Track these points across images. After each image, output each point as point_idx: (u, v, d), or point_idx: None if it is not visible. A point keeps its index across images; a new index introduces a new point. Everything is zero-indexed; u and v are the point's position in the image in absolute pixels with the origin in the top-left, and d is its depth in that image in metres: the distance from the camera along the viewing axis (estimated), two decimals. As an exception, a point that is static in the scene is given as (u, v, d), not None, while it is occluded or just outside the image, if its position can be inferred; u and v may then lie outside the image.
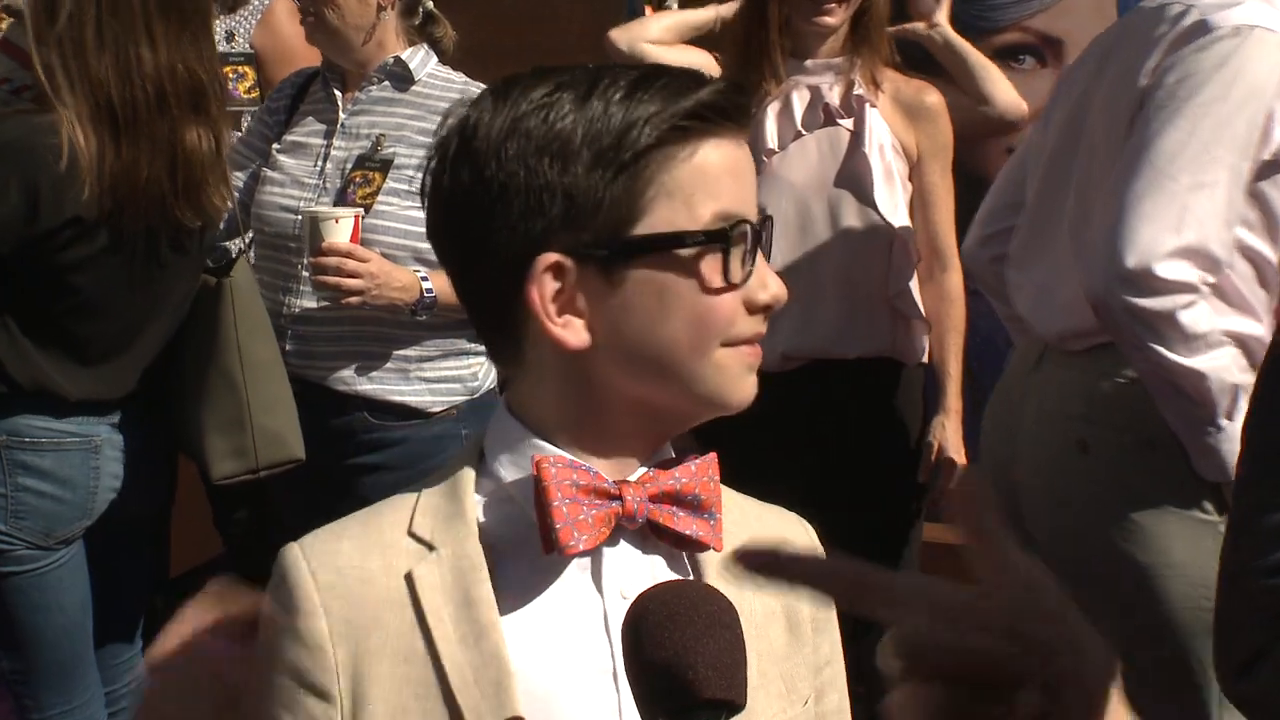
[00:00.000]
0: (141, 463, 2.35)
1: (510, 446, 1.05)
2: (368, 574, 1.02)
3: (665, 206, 1.00)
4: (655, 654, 0.83)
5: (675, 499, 1.03)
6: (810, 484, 2.54)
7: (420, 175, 2.38)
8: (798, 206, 2.59)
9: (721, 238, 1.00)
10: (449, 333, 2.53)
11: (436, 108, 2.49)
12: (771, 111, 2.59)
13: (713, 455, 1.06)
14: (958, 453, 2.61)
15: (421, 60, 2.58)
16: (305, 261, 2.40)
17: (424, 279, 2.41)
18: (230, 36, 3.38)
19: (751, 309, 1.03)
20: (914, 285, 2.62)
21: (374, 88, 2.57)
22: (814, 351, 2.59)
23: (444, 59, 2.65)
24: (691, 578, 1.07)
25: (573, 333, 1.01)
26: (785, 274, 2.54)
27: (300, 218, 2.43)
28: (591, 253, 1.00)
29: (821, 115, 2.60)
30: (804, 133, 2.59)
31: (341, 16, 2.49)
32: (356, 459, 2.54)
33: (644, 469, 1.06)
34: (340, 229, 2.34)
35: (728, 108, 1.02)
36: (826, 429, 2.62)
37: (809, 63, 2.61)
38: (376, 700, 1.00)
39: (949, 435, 2.61)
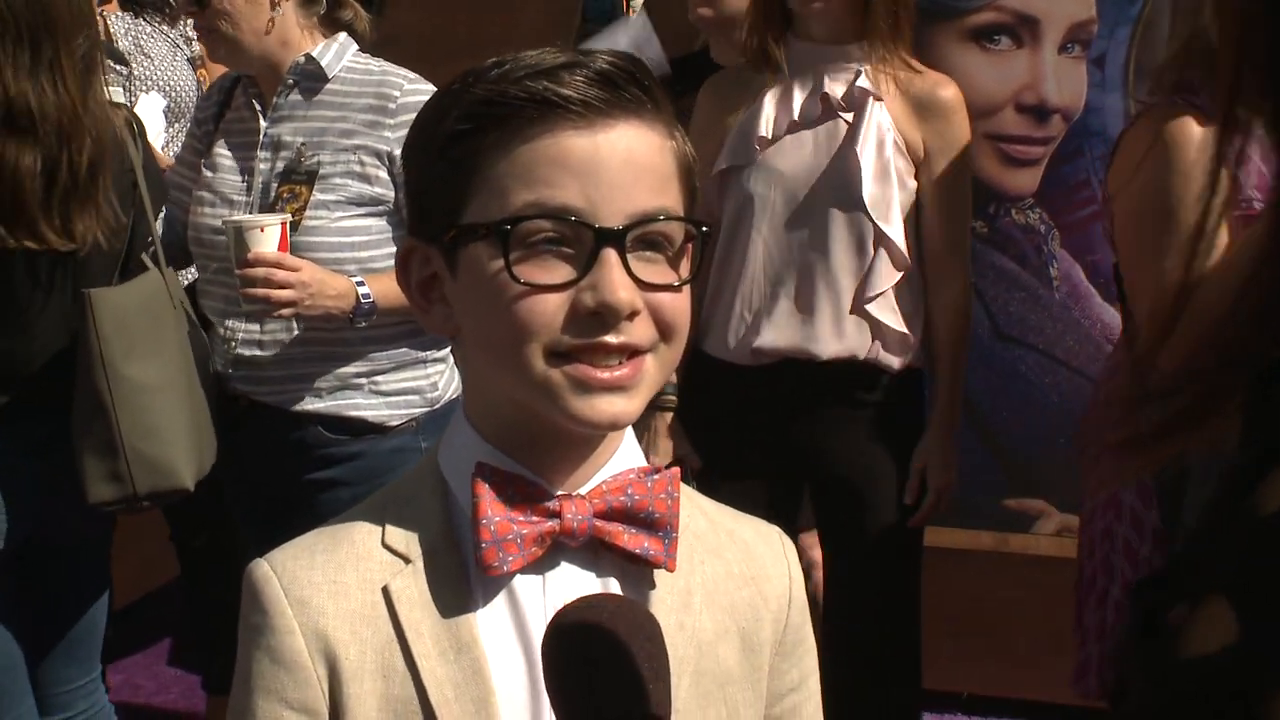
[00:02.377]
0: (60, 482, 2.24)
1: (458, 454, 1.02)
2: (342, 588, 0.99)
3: (483, 195, 0.97)
4: (569, 677, 0.83)
5: (626, 515, 0.99)
6: (776, 487, 2.59)
7: (348, 181, 2.33)
8: (786, 199, 2.48)
9: (499, 232, 0.94)
10: (400, 343, 2.44)
11: (355, 104, 2.38)
12: (770, 99, 2.50)
13: (674, 471, 1.02)
14: (943, 472, 2.48)
15: (336, 54, 2.42)
16: (234, 273, 2.27)
17: (360, 284, 2.30)
18: (189, 40, 3.28)
19: (578, 314, 0.94)
20: (905, 291, 2.48)
21: (290, 93, 2.43)
22: (787, 350, 2.51)
23: (363, 45, 2.50)
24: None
25: (439, 318, 1.02)
26: (770, 268, 2.52)
27: (249, 206, 2.34)
28: (434, 241, 1.00)
29: (820, 106, 2.47)
30: (800, 123, 2.48)
31: (235, 24, 2.35)
32: (311, 474, 2.45)
33: (599, 478, 1.01)
34: (266, 237, 2.22)
35: (557, 97, 0.94)
36: (796, 431, 2.55)
37: (822, 48, 2.49)
38: (356, 718, 0.97)
39: (932, 455, 2.50)
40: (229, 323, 2.42)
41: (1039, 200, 3.28)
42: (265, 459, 2.46)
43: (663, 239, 0.97)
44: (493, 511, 0.96)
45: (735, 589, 1.07)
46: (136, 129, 2.35)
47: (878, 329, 2.48)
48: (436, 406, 2.48)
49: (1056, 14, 3.18)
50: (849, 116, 2.45)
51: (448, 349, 2.54)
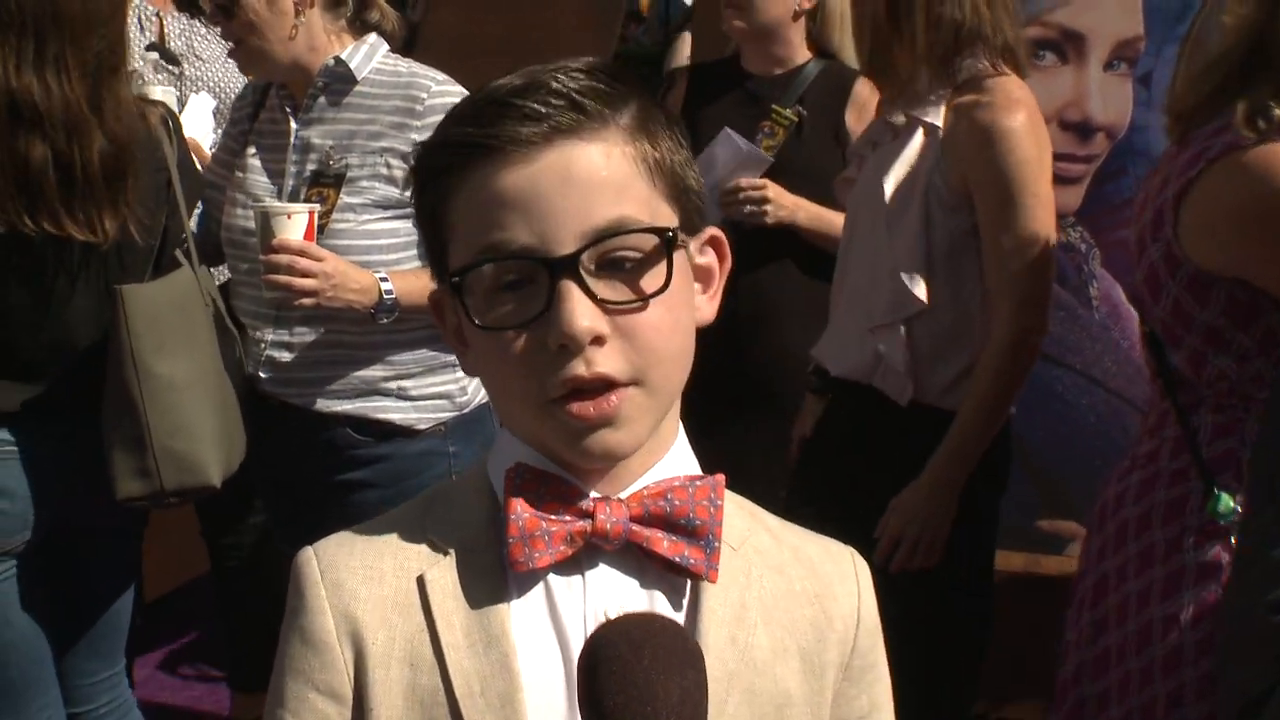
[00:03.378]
0: (87, 475, 2.24)
1: (503, 457, 1.01)
2: (378, 574, 0.99)
3: (453, 244, 0.97)
4: (607, 699, 0.81)
5: (665, 521, 0.96)
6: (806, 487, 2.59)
7: (375, 184, 2.32)
8: (850, 222, 2.52)
9: (452, 285, 0.95)
10: (428, 346, 2.42)
11: (383, 107, 2.37)
12: (877, 120, 2.51)
13: (719, 477, 0.99)
14: (907, 523, 2.27)
15: (365, 56, 2.42)
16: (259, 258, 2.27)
17: (383, 279, 2.29)
18: None
19: (548, 351, 0.92)
20: (926, 329, 2.33)
21: (320, 96, 2.42)
22: (817, 357, 2.58)
23: (393, 44, 2.49)
24: (680, 614, 1.00)
25: (469, 362, 1.02)
26: (836, 283, 2.52)
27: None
28: (443, 286, 0.99)
29: (888, 130, 2.43)
30: (878, 144, 2.45)
31: (260, 34, 2.35)
32: (340, 476, 2.44)
33: (643, 482, 0.99)
34: (293, 225, 2.22)
35: (492, 140, 0.93)
36: (817, 443, 2.60)
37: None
38: (380, 705, 0.96)
39: (904, 500, 2.29)
40: (260, 325, 2.42)
41: (1080, 219, 3.24)
42: (295, 460, 2.46)
43: (630, 251, 0.94)
44: (521, 508, 0.95)
45: (797, 607, 1.04)
46: (172, 125, 2.35)
47: (880, 359, 2.37)
48: (465, 411, 2.48)
49: (1103, 31, 3.14)
50: (898, 145, 2.37)
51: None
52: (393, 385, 2.40)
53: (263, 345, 2.41)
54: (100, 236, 2.16)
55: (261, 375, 2.42)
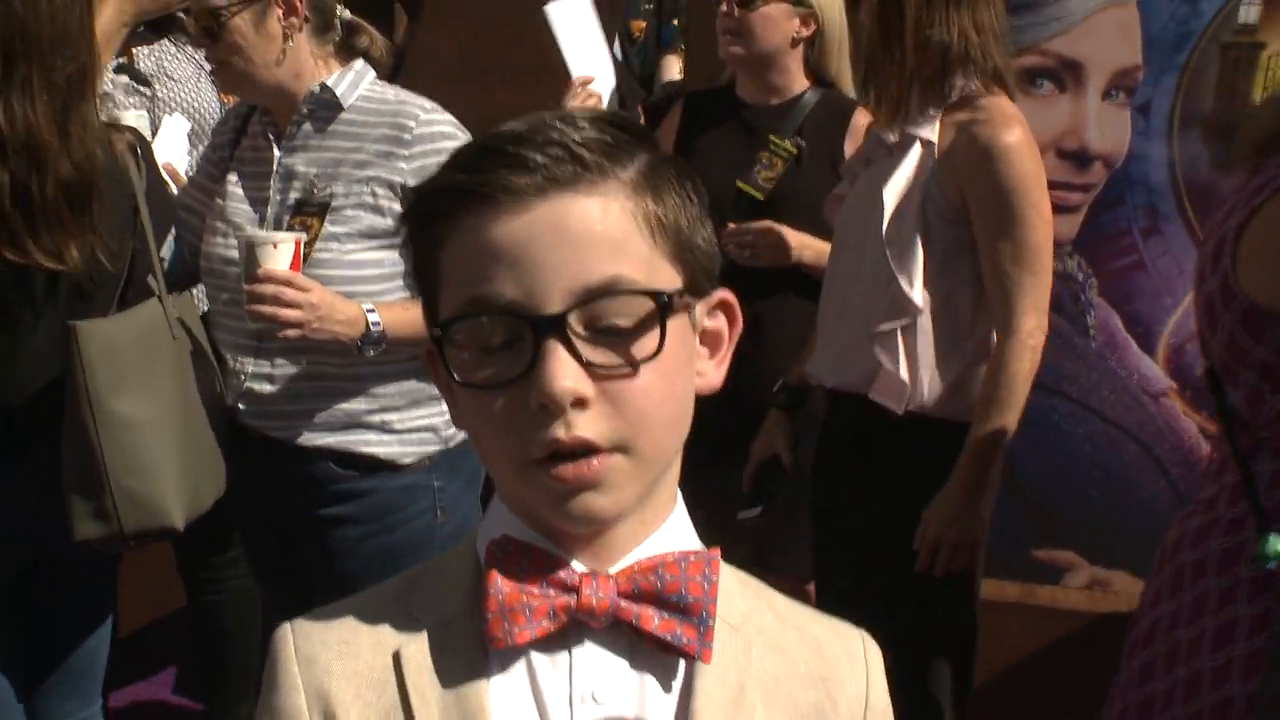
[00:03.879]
0: (56, 511, 2.16)
1: (491, 528, 0.97)
2: (354, 649, 0.96)
3: (442, 291, 0.93)
4: None
5: (655, 598, 0.91)
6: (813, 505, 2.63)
7: (360, 213, 2.28)
8: (841, 233, 2.55)
9: (434, 340, 0.92)
10: (414, 379, 2.37)
11: (370, 135, 2.32)
12: (869, 137, 2.57)
13: (714, 552, 0.95)
14: (939, 532, 2.34)
15: (351, 83, 2.37)
16: (242, 288, 2.21)
17: (370, 311, 2.24)
18: None
19: (530, 412, 0.88)
20: (921, 338, 2.39)
21: (304, 122, 2.37)
22: (811, 372, 2.60)
23: (379, 71, 2.45)
24: (672, 696, 0.95)
25: (455, 415, 0.97)
26: (824, 297, 2.55)
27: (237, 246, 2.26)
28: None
29: (882, 147, 2.47)
30: (872, 160, 2.51)
31: (246, 57, 2.30)
32: (321, 510, 2.39)
33: (634, 557, 0.94)
34: (279, 254, 2.16)
35: (487, 188, 0.89)
36: (824, 454, 2.61)
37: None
38: None
39: (936, 511, 2.36)
40: (239, 356, 2.37)
41: (1078, 248, 3.22)
42: (275, 494, 2.41)
43: (623, 311, 0.89)
44: (501, 581, 0.91)
45: (800, 690, 0.99)
46: (140, 152, 2.29)
47: (877, 369, 2.42)
48: (451, 445, 2.42)
49: (1101, 60, 3.13)
50: (894, 159, 2.42)
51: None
52: (376, 419, 2.35)
53: (242, 377, 2.36)
54: (69, 264, 2.09)
55: (241, 407, 2.37)
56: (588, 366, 0.87)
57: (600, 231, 0.89)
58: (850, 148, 2.95)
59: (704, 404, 0.98)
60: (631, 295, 0.88)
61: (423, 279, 0.95)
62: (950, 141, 2.36)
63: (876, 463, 2.46)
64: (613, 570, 0.93)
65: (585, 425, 0.87)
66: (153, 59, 3.25)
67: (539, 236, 0.88)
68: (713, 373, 0.98)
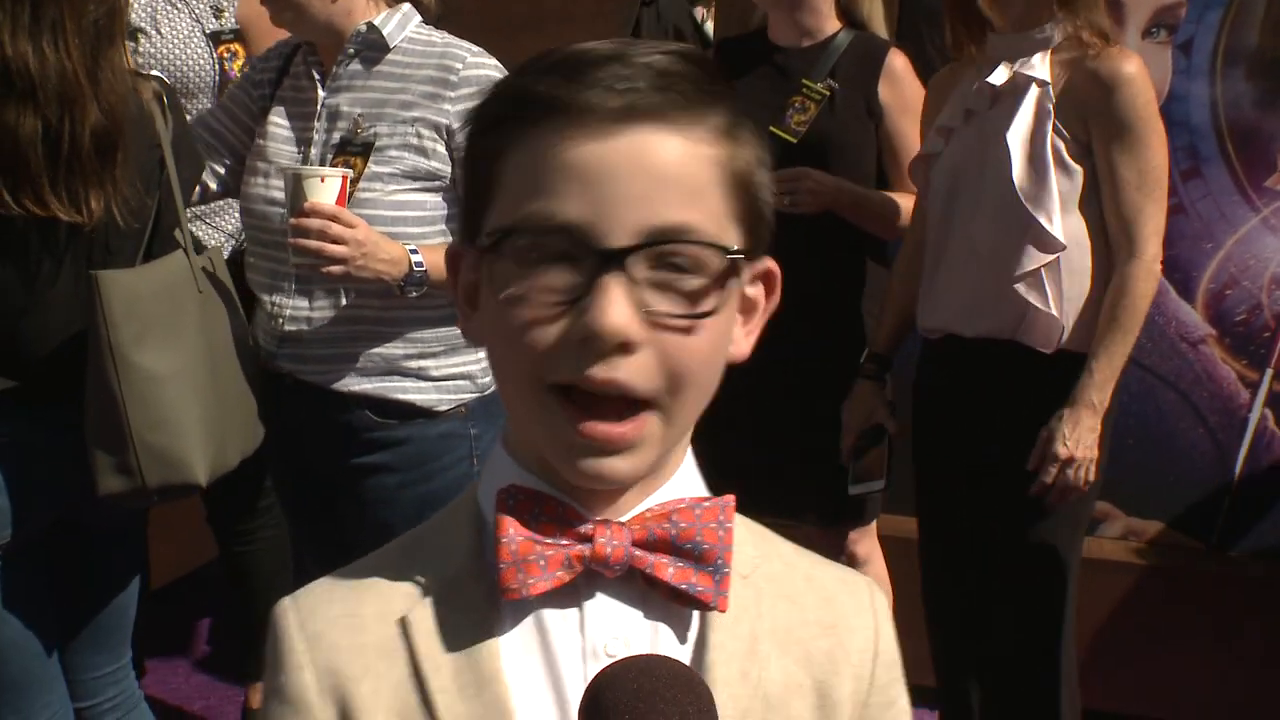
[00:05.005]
0: (83, 466, 2.13)
1: (494, 480, 0.93)
2: (360, 621, 0.91)
3: (500, 201, 0.87)
4: None
5: (670, 545, 0.88)
6: (938, 450, 2.69)
7: (404, 154, 2.24)
8: (954, 185, 2.57)
9: (490, 247, 0.86)
10: (452, 324, 2.34)
11: (415, 76, 2.29)
12: (959, 91, 2.59)
13: (728, 498, 0.91)
14: (1072, 447, 2.43)
15: (398, 24, 2.34)
16: (287, 222, 2.17)
17: (413, 252, 2.21)
18: (218, 11, 3.11)
19: (570, 342, 0.83)
20: (1064, 274, 2.46)
21: (350, 62, 2.34)
22: (945, 325, 2.61)
23: (429, 20, 2.42)
24: (686, 647, 0.92)
25: (476, 328, 0.93)
26: (935, 253, 2.58)
27: (285, 179, 2.22)
28: (472, 244, 0.91)
29: (989, 95, 2.52)
30: (974, 112, 2.54)
31: None
32: (357, 459, 2.36)
33: (644, 506, 0.91)
34: (326, 189, 2.12)
35: (574, 98, 0.83)
36: (953, 402, 2.63)
37: (1010, 37, 2.51)
38: None
39: (1063, 427, 2.44)
40: (276, 298, 2.33)
41: (1116, 191, 3.15)
42: (309, 440, 2.39)
43: (689, 262, 0.84)
44: (515, 531, 0.87)
45: (811, 638, 0.96)
46: (167, 101, 2.24)
47: (1024, 310, 2.48)
48: (486, 392, 2.41)
49: (1140, -4, 3.05)
50: (1010, 103, 2.47)
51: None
52: (414, 364, 2.32)
53: (279, 320, 2.33)
54: (85, 216, 2.05)
55: (277, 350, 2.34)
56: (642, 311, 0.83)
57: (681, 173, 0.84)
58: (885, 90, 2.89)
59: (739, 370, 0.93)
60: (701, 246, 0.84)
61: (475, 184, 0.90)
62: (1067, 79, 2.43)
63: (1028, 403, 2.50)
64: (625, 519, 0.90)
65: (625, 369, 0.83)
66: (147, 10, 3.14)
67: (618, 163, 0.82)
68: (743, 341, 0.94)
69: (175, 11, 3.15)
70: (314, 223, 2.09)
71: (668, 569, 0.88)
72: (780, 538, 1.02)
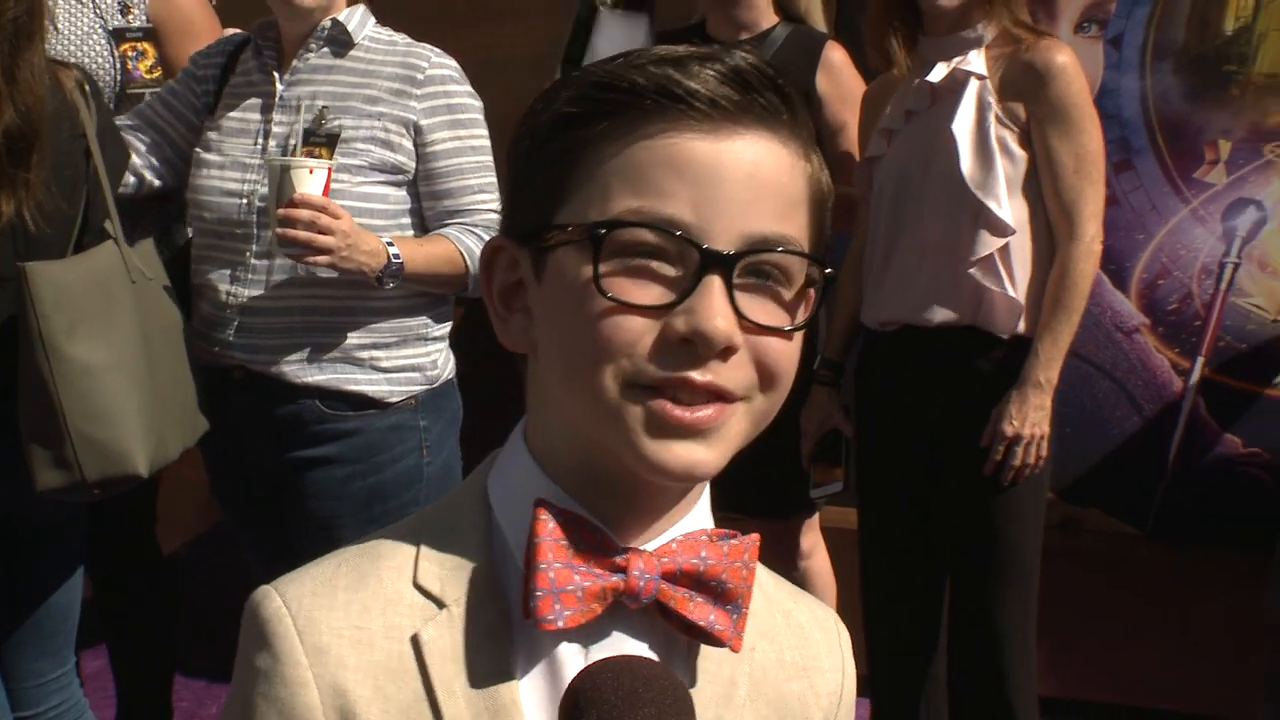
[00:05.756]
0: (15, 466, 2.08)
1: (512, 484, 0.90)
2: (367, 636, 0.85)
3: (584, 193, 0.83)
4: None
5: (696, 580, 0.86)
6: (886, 446, 2.71)
7: (371, 147, 2.25)
8: (902, 182, 2.61)
9: (594, 236, 0.81)
10: (404, 316, 2.36)
11: (381, 72, 2.34)
12: (897, 95, 2.64)
13: (754, 537, 0.89)
14: (1019, 425, 2.50)
15: (360, 21, 2.40)
16: (270, 214, 2.17)
17: (390, 244, 2.24)
18: (125, 9, 3.03)
19: (668, 341, 0.81)
20: (1018, 257, 2.53)
21: (312, 55, 2.38)
22: (903, 317, 2.63)
23: (388, 24, 2.48)
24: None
25: (516, 330, 0.89)
26: (885, 249, 2.61)
27: (264, 169, 2.25)
28: (525, 240, 0.87)
29: (928, 94, 2.59)
30: (915, 112, 2.61)
31: None
32: (305, 451, 2.35)
33: (669, 536, 0.88)
34: (314, 180, 2.15)
35: (682, 90, 0.81)
36: (909, 394, 2.65)
37: (942, 40, 2.58)
38: None
39: (1010, 408, 2.51)
40: (232, 288, 2.33)
41: (1051, 183, 3.20)
42: (256, 435, 2.37)
43: (779, 272, 0.84)
44: (554, 557, 0.83)
45: (784, 680, 0.96)
46: (89, 90, 2.20)
47: (982, 295, 2.53)
48: (435, 385, 2.42)
49: (1072, -11, 3.10)
50: (951, 99, 2.54)
51: (448, 327, 2.47)
52: (365, 355, 2.33)
53: (230, 310, 2.32)
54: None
55: (231, 340, 2.33)
56: (741, 317, 0.82)
57: (786, 185, 0.84)
58: (822, 82, 2.92)
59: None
60: (797, 258, 0.84)
61: (550, 174, 0.86)
62: (1002, 73, 2.52)
63: (996, 389, 2.54)
64: (650, 547, 0.87)
65: (721, 372, 0.82)
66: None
67: (731, 167, 0.81)
68: None
69: (78, 7, 3.08)
70: (304, 213, 2.11)
71: (689, 604, 0.86)
72: (761, 567, 0.99)
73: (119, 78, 2.83)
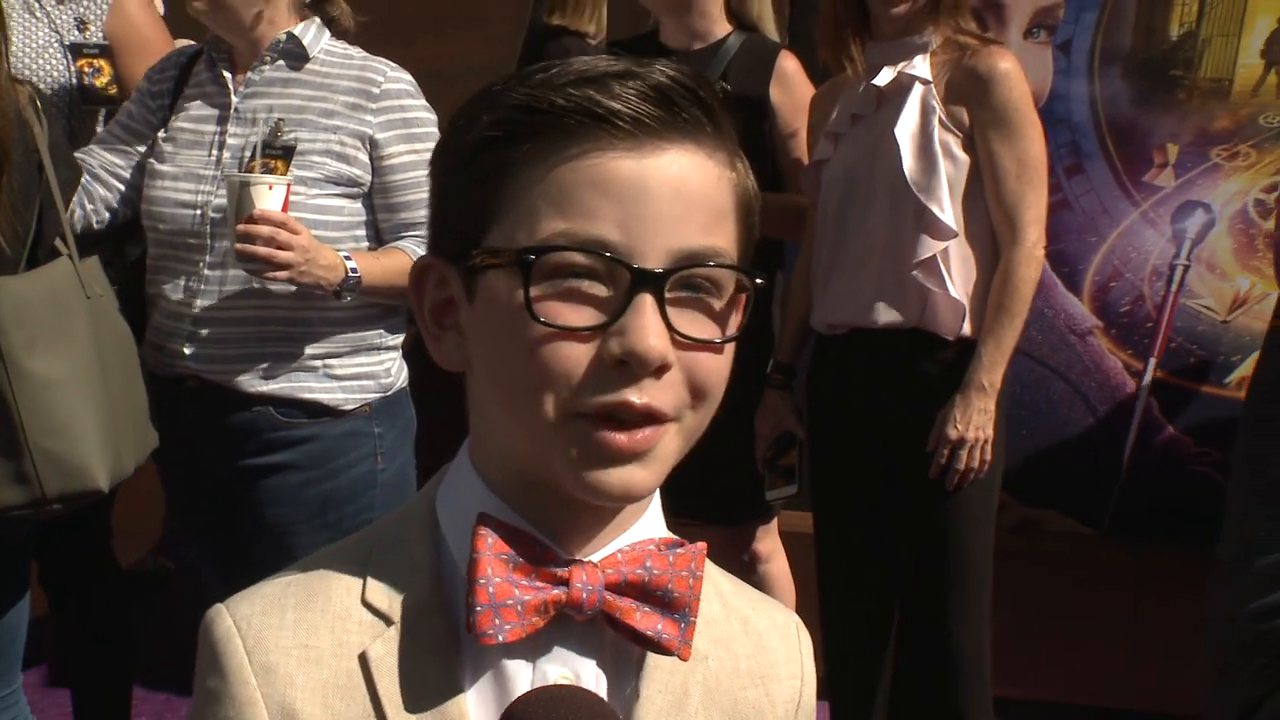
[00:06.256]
0: None
1: (458, 499, 0.90)
2: (315, 654, 0.86)
3: (511, 216, 0.83)
4: None
5: (641, 591, 0.86)
6: (840, 449, 2.73)
7: (326, 160, 2.25)
8: (847, 185, 2.64)
9: (522, 262, 0.80)
10: (358, 327, 2.38)
11: (337, 86, 2.34)
12: (844, 98, 2.66)
13: (700, 546, 0.89)
14: (963, 428, 2.52)
15: (315, 35, 2.41)
16: (230, 229, 2.18)
17: (348, 258, 2.26)
18: (82, 24, 2.98)
19: (603, 363, 0.81)
20: (960, 260, 2.55)
21: (267, 68, 2.38)
22: (850, 319, 2.65)
23: (340, 35, 2.48)
24: (616, 700, 0.90)
25: (449, 348, 0.89)
26: (832, 252, 2.63)
27: (224, 183, 2.24)
28: (453, 259, 0.87)
29: (874, 98, 2.62)
30: (860, 115, 2.63)
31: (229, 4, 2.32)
32: (259, 458, 2.35)
33: (616, 545, 0.88)
34: (273, 196, 2.16)
35: (604, 110, 0.81)
36: (859, 396, 2.66)
37: (889, 45, 2.60)
38: None
39: (954, 411, 2.53)
40: (186, 298, 2.32)
41: (1003, 188, 3.23)
42: (209, 445, 2.36)
43: (709, 285, 0.84)
44: (493, 571, 0.83)
45: (740, 688, 0.96)
46: (40, 106, 2.19)
47: (926, 297, 2.55)
48: (389, 392, 2.43)
49: (1022, -2, 3.14)
50: (895, 103, 2.56)
51: (401, 337, 2.47)
52: (319, 364, 2.34)
53: (186, 320, 2.32)
54: None
55: (186, 351, 2.32)
56: (674, 333, 0.82)
57: (712, 197, 0.84)
58: (776, 93, 2.93)
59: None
60: (726, 270, 0.84)
61: (471, 197, 0.85)
62: (948, 78, 2.54)
63: (942, 391, 2.56)
64: (596, 558, 0.87)
65: (658, 393, 0.81)
66: None
67: (656, 184, 0.81)
68: None
69: (33, 20, 3.04)
70: (264, 230, 2.12)
71: (635, 614, 0.86)
72: (719, 570, 1.01)
73: (76, 92, 2.81)
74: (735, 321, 0.86)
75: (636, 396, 0.81)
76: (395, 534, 0.91)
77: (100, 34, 2.94)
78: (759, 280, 0.86)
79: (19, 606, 2.32)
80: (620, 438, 0.81)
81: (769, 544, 3.17)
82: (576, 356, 0.81)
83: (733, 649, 0.97)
